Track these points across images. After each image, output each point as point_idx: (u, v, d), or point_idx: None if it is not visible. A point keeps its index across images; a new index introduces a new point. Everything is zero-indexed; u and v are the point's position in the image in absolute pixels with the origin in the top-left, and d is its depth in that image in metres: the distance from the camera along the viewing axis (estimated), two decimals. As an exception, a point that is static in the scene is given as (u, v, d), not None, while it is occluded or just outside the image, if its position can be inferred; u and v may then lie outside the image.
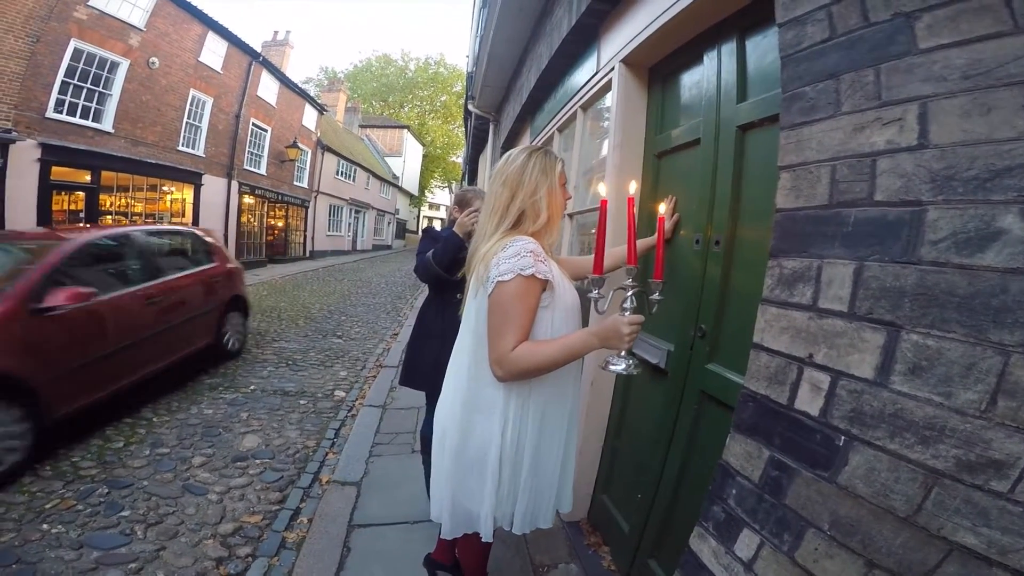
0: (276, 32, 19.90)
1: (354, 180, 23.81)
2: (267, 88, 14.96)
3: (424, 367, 2.52)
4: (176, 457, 3.21)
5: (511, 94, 5.37)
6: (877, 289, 0.81)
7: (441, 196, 52.58)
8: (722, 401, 1.56)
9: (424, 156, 38.77)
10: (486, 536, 1.42)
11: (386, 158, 32.14)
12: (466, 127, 21.29)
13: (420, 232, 2.76)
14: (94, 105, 8.92)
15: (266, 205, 15.92)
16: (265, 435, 3.61)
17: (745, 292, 1.53)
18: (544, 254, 1.33)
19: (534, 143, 4.30)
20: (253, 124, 14.33)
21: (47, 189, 7.98)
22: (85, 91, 8.71)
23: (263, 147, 15.21)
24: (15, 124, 7.46)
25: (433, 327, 2.52)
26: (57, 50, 8.02)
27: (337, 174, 21.80)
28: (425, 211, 50.42)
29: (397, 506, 2.70)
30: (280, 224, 17.39)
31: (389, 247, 30.68)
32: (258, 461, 3.23)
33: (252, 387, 4.64)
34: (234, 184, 13.38)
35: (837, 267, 0.88)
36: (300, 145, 16.91)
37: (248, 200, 14.57)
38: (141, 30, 9.54)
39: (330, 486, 2.88)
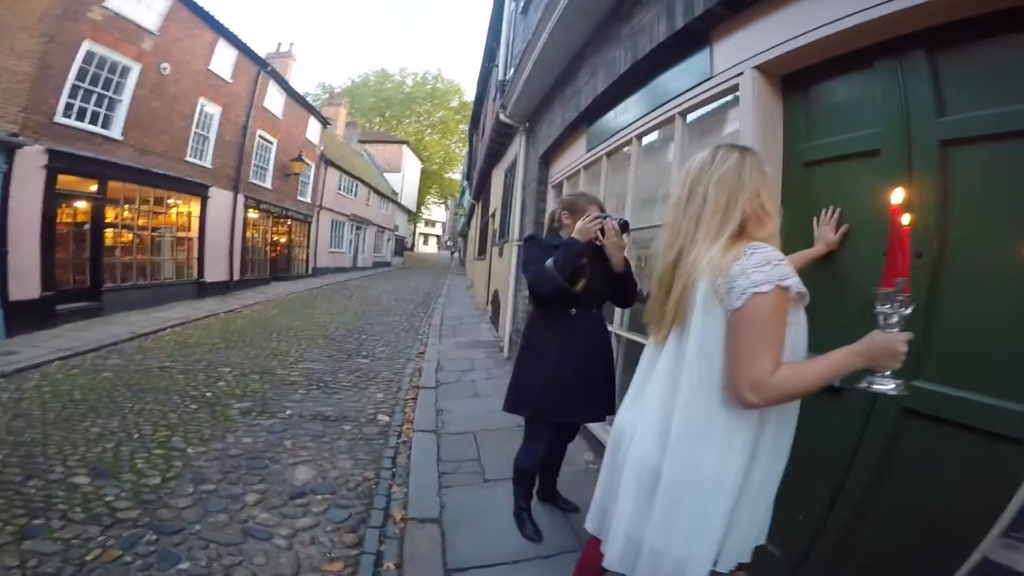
0: (279, 44, 19.76)
1: (355, 195, 23.58)
2: (274, 99, 14.74)
3: (532, 390, 2.29)
4: (225, 495, 2.90)
5: (555, 101, 5.19)
6: None
7: (437, 212, 52.52)
8: (943, 419, 1.46)
9: (422, 172, 38.70)
10: None
11: (385, 174, 31.97)
12: (470, 141, 21.30)
13: (523, 242, 2.53)
14: (104, 111, 8.56)
15: (271, 220, 15.59)
16: (318, 466, 3.32)
17: (963, 306, 1.45)
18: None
19: (595, 150, 4.10)
20: (260, 136, 14.06)
21: (52, 198, 7.59)
22: (95, 96, 8.35)
23: (269, 160, 14.93)
24: (22, 128, 7.09)
25: (543, 346, 2.30)
26: (69, 51, 7.66)
27: (339, 189, 21.55)
28: (421, 227, 50.27)
29: (490, 544, 2.44)
30: (284, 240, 17.03)
31: (388, 264, 30.36)
32: (319, 497, 2.93)
33: (288, 412, 4.34)
34: (240, 198, 13.04)
35: None
36: (305, 159, 16.67)
37: (253, 215, 14.22)
38: (155, 34, 9.25)
39: (408, 524, 2.60)
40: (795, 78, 2.09)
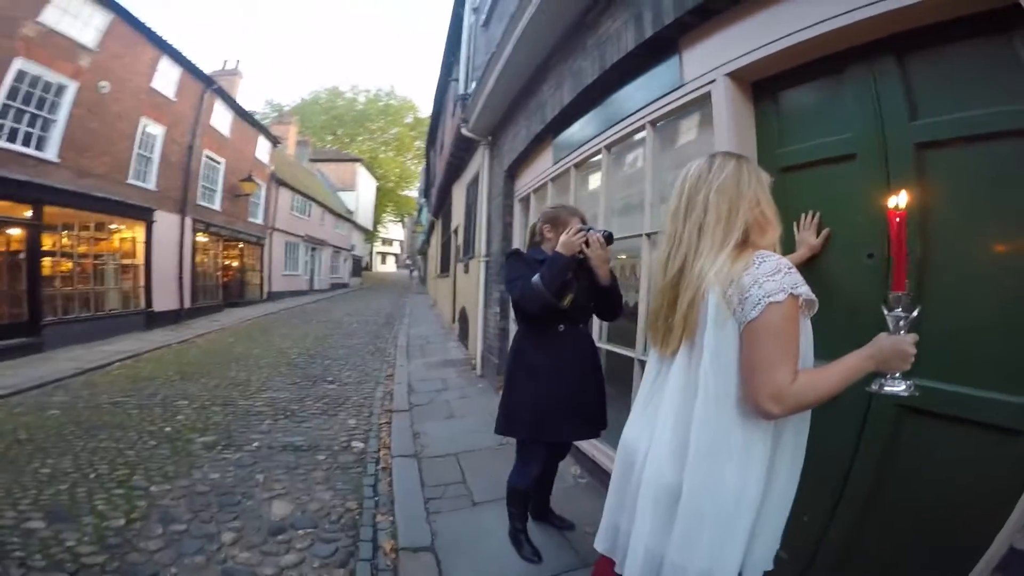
0: (225, 61, 19.14)
1: (309, 216, 22.96)
2: (221, 118, 14.23)
3: (524, 410, 2.23)
4: (199, 534, 2.70)
5: (520, 114, 5.19)
6: None
7: (395, 231, 51.85)
8: (940, 414, 1.50)
9: (378, 190, 38.18)
10: None
11: (339, 192, 31.33)
12: (427, 157, 21.12)
13: (505, 257, 2.48)
14: (37, 131, 8.02)
15: (221, 244, 14.96)
16: (295, 499, 3.14)
17: (950, 304, 1.50)
18: None
19: (562, 162, 4.12)
20: (206, 156, 13.51)
21: (-19, 226, 7.07)
22: (28, 116, 7.84)
23: (217, 181, 14.36)
24: (-51, 153, 6.60)
25: (533, 364, 2.24)
26: (-1, 69, 7.23)
27: (292, 210, 20.93)
28: (378, 247, 49.48)
29: (489, 569, 2.37)
30: (236, 264, 16.33)
31: (347, 285, 29.60)
32: (301, 532, 2.77)
33: (256, 444, 4.11)
34: (187, 221, 12.44)
35: None
36: (255, 179, 16.15)
37: (202, 238, 13.60)
38: (93, 51, 8.78)
39: (400, 555, 2.48)
40: (765, 84, 2.14)
